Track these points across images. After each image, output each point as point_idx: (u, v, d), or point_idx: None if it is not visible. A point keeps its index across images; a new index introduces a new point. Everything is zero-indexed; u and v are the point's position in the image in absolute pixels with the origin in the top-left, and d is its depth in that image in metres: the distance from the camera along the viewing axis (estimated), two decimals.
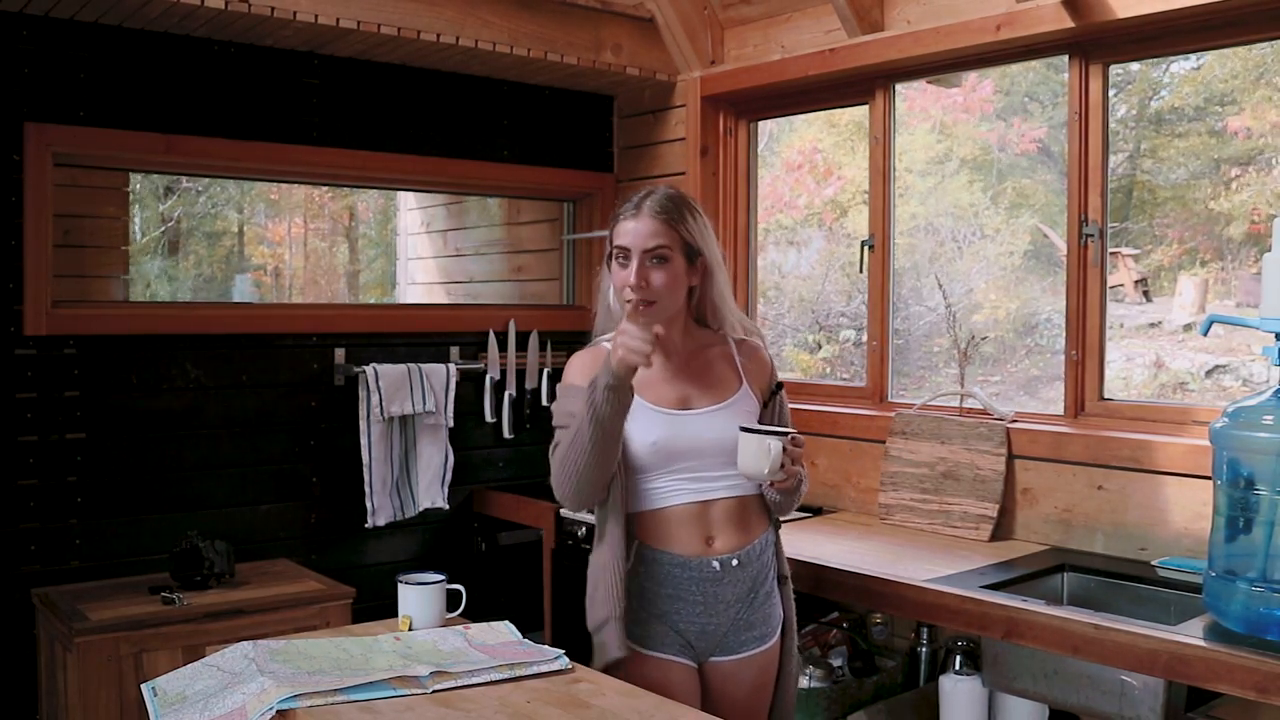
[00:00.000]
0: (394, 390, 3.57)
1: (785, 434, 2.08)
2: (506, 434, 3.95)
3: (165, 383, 3.31)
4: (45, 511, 3.12)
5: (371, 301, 7.54)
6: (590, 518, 2.39)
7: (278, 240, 7.83)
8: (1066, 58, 3.04)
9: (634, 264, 2.13)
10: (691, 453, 2.15)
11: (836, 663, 3.08)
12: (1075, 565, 2.79)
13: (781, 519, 2.34)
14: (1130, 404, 2.99)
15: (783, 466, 2.06)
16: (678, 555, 2.15)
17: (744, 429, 2.09)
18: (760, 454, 2.06)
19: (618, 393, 2.02)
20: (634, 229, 2.15)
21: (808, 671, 2.99)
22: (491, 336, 3.91)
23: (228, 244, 7.90)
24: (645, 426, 2.16)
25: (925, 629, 3.07)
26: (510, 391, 3.94)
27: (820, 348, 8.55)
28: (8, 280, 3.06)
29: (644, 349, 1.97)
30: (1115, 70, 3.11)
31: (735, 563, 2.17)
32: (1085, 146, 3.01)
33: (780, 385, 2.32)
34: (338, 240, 7.73)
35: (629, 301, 2.13)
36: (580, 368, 2.23)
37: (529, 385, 3.99)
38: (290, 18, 3.10)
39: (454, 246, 5.42)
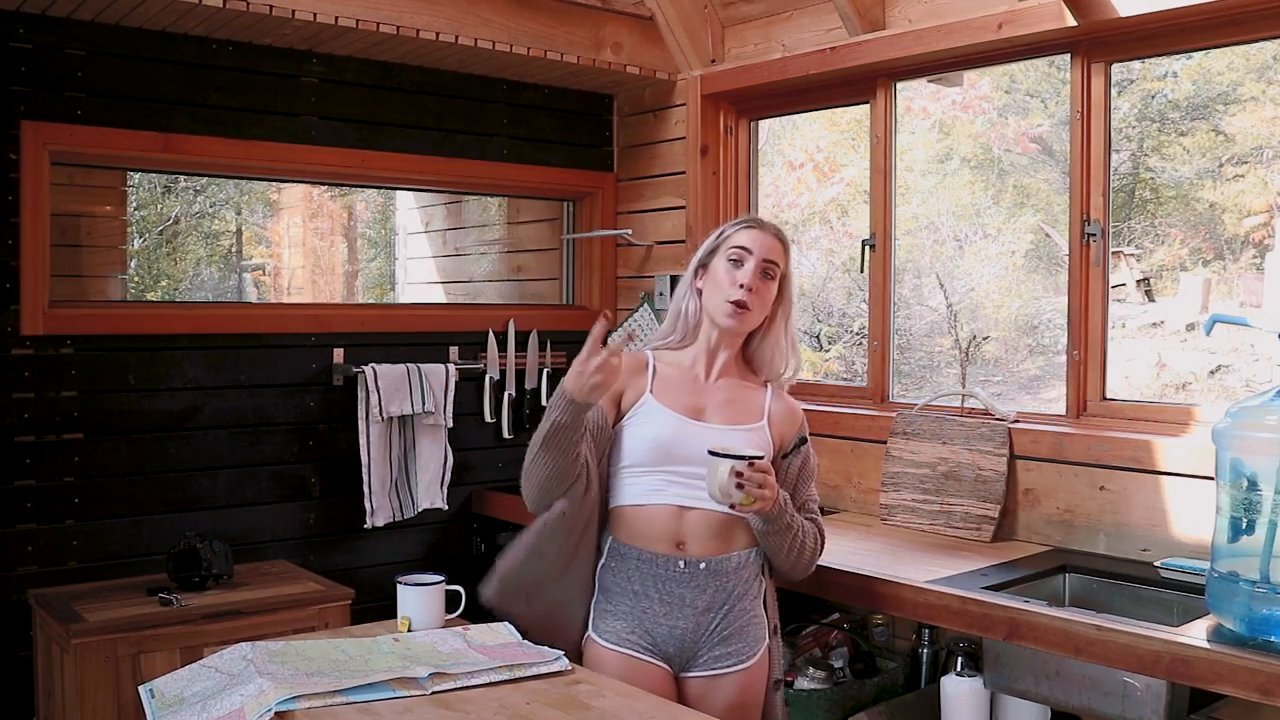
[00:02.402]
0: (393, 390, 3.56)
1: (743, 458, 2.06)
2: (506, 434, 3.94)
3: (163, 383, 3.30)
4: (42, 512, 3.11)
5: (371, 301, 7.53)
6: None
7: (276, 240, 7.82)
8: (1068, 56, 3.03)
9: (751, 266, 2.23)
10: (686, 458, 2.18)
11: (837, 664, 3.07)
12: (1077, 566, 2.78)
13: (781, 572, 2.31)
14: (1132, 404, 2.98)
15: (742, 488, 2.04)
16: (645, 551, 2.19)
17: (710, 451, 2.09)
18: (711, 476, 2.06)
19: (575, 407, 2.08)
20: (758, 237, 2.26)
21: (808, 673, 2.98)
22: (491, 336, 3.90)
23: (226, 243, 7.89)
24: (652, 424, 2.22)
25: (927, 630, 3.06)
26: (510, 391, 3.93)
27: (823, 347, 8.53)
28: (4, 280, 3.05)
29: (589, 369, 2.02)
30: (1117, 68, 3.10)
31: (703, 566, 2.18)
32: (1087, 145, 3.00)
33: (804, 440, 2.33)
34: (336, 240, 7.72)
35: (732, 301, 2.22)
36: None
37: (529, 385, 3.98)
38: (289, 16, 3.09)
39: (454, 246, 5.41)
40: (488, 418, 3.89)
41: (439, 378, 3.68)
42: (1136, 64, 6.99)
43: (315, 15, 3.13)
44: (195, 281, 7.49)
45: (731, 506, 2.08)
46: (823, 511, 3.43)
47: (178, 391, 3.32)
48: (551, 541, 2.18)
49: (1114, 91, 3.05)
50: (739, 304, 2.22)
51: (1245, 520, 2.13)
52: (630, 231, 4.10)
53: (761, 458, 2.09)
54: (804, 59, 3.52)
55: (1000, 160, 8.60)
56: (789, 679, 2.34)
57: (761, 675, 2.22)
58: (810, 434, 2.41)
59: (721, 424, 2.24)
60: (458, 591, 2.26)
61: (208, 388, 3.37)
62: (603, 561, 2.24)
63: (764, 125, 4.10)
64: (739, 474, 2.03)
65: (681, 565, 2.17)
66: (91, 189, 3.79)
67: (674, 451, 2.19)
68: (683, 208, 3.92)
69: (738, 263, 2.24)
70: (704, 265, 2.30)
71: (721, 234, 2.31)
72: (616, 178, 4.21)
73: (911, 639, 3.14)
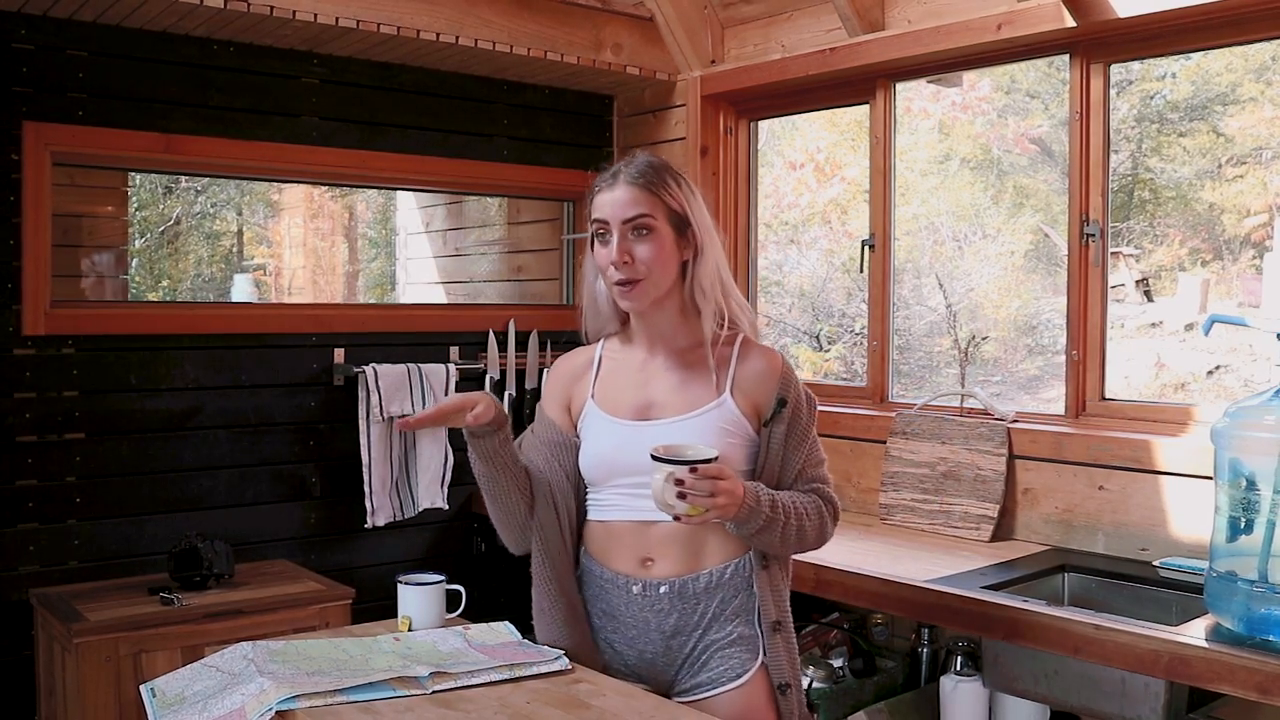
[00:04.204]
0: (394, 390, 3.57)
1: (685, 462, 1.76)
2: None
3: (164, 383, 3.30)
4: (44, 512, 3.12)
5: (371, 301, 7.54)
6: None
7: (277, 240, 7.82)
8: (1067, 57, 3.03)
9: (614, 238, 1.90)
10: (634, 468, 1.88)
11: (837, 663, 3.07)
12: (1076, 566, 2.78)
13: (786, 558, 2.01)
14: (1131, 404, 2.98)
15: (684, 497, 1.74)
16: (608, 571, 1.98)
17: (652, 454, 1.78)
18: (653, 484, 1.77)
19: (477, 440, 1.96)
20: (608, 200, 1.93)
21: (808, 672, 2.98)
22: (491, 336, 3.91)
23: (227, 243, 7.90)
24: (594, 436, 1.99)
25: (926, 629, 3.07)
26: (510, 391, 3.93)
27: (823, 347, 8.53)
28: (6, 280, 3.05)
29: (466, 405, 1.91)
30: (1116, 68, 3.11)
31: (663, 589, 1.92)
32: (1086, 146, 3.01)
33: (784, 402, 1.94)
34: (337, 240, 7.73)
35: (615, 284, 1.90)
36: (552, 380, 2.11)
37: (529, 385, 3.98)
38: (289, 16, 3.09)
39: (454, 246, 5.41)
40: None
41: (439, 378, 3.68)
42: (1135, 65, 6.99)
43: (316, 16, 3.13)
44: (196, 282, 7.50)
45: (677, 518, 1.79)
46: None
47: (179, 391, 3.32)
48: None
49: (1113, 92, 3.05)
50: (620, 284, 1.90)
51: (1244, 520, 2.13)
52: None
53: (712, 459, 1.77)
54: (804, 59, 3.53)
55: (1000, 161, 8.61)
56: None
57: (756, 694, 1.93)
58: None
59: (675, 415, 1.93)
60: (458, 591, 2.26)
61: (208, 388, 3.37)
62: (579, 574, 2.04)
63: (764, 125, 4.10)
64: (679, 481, 1.74)
65: (637, 588, 1.93)
66: (93, 189, 3.79)
67: (621, 462, 1.92)
68: None
69: (602, 238, 1.92)
70: (592, 247, 1.98)
71: (588, 204, 1.98)
72: None
73: (911, 638, 3.14)
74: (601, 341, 2.08)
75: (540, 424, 2.08)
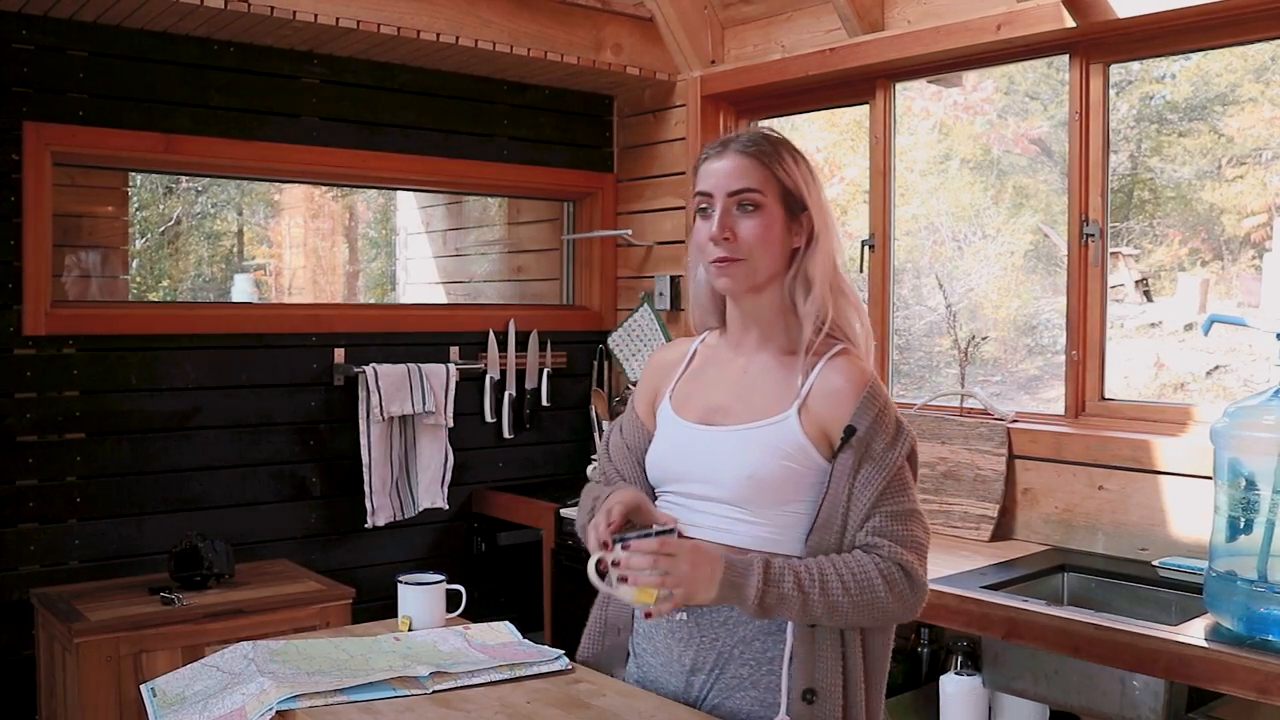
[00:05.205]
0: (394, 390, 3.57)
1: (622, 538, 1.56)
2: (506, 434, 3.95)
3: (164, 383, 3.30)
4: (44, 512, 3.12)
5: (371, 301, 7.54)
6: None
7: (277, 240, 7.82)
8: (1067, 57, 3.03)
9: (717, 211, 1.69)
10: (685, 475, 1.73)
11: None
12: (1076, 565, 2.78)
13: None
14: (1131, 404, 2.99)
15: (625, 580, 1.54)
16: None
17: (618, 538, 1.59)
18: (587, 571, 1.60)
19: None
20: (715, 170, 1.71)
21: None
22: (491, 336, 3.91)
23: (227, 243, 7.90)
24: (660, 436, 1.82)
25: (926, 629, 3.07)
26: (510, 391, 3.94)
27: None
28: (7, 280, 3.06)
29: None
30: (1116, 69, 3.11)
31: (681, 616, 1.70)
32: (1086, 146, 3.01)
33: (852, 430, 1.64)
34: (338, 240, 7.73)
35: (712, 261, 1.69)
36: (645, 372, 1.93)
37: (529, 385, 3.99)
38: (290, 17, 3.10)
39: (454, 246, 5.42)
40: (488, 418, 3.90)
41: (439, 378, 3.69)
42: (1135, 65, 6.99)
43: (316, 16, 3.14)
44: (197, 282, 7.50)
45: (648, 616, 1.60)
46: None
47: (179, 391, 3.33)
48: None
49: (1112, 92, 3.06)
50: (718, 261, 1.69)
51: (1243, 519, 2.13)
52: (630, 232, 4.11)
53: (660, 532, 1.58)
54: (803, 60, 3.53)
55: (999, 161, 8.61)
56: None
57: None
58: None
59: (738, 423, 1.70)
60: (458, 591, 2.26)
61: (209, 388, 3.38)
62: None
63: (764, 126, 4.11)
64: (615, 564, 1.52)
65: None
66: (93, 189, 3.80)
67: (673, 467, 1.75)
68: (682, 208, 3.93)
69: (704, 212, 1.72)
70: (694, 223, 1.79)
71: (694, 173, 1.78)
72: (616, 178, 4.22)
73: (910, 638, 3.15)
74: (704, 334, 1.89)
75: (627, 422, 1.92)
